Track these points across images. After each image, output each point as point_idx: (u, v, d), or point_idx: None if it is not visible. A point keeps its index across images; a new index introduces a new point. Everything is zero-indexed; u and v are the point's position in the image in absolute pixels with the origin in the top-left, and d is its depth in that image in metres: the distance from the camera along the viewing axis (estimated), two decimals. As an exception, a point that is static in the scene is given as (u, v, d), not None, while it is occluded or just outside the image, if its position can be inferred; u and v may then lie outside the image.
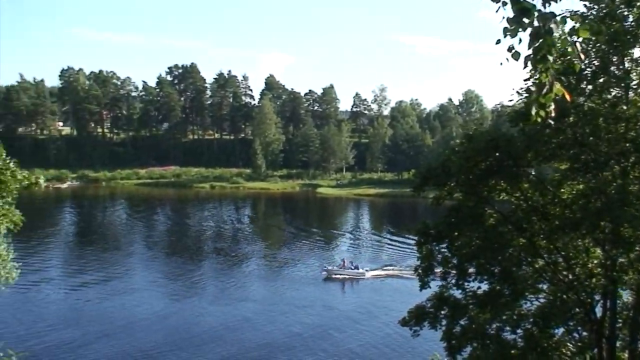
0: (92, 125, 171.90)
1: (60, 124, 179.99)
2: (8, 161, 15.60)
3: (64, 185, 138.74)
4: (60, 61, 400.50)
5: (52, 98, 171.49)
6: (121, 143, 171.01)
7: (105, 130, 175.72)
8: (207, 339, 41.86)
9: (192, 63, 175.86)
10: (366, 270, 59.94)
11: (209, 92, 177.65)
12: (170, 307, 49.56)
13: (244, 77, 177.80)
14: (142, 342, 40.98)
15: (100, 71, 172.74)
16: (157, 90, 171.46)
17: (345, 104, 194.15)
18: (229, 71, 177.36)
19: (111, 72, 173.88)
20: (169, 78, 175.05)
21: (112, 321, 45.40)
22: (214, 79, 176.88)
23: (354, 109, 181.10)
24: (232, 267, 64.54)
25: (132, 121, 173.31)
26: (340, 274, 58.70)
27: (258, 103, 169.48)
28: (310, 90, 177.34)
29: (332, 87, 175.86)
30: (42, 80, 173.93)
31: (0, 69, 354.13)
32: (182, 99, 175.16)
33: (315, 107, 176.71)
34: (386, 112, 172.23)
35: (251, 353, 39.52)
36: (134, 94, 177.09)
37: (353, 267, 59.87)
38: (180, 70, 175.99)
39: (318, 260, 66.23)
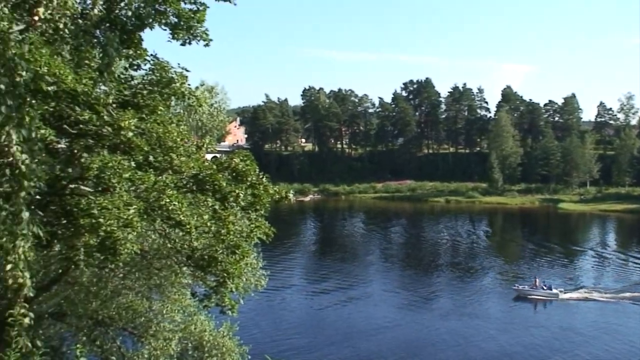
0: (332, 141, 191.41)
1: (303, 140, 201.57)
2: (261, 176, 17.25)
3: (307, 199, 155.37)
4: (303, 81, 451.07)
5: (295, 116, 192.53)
6: (359, 158, 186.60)
7: (344, 146, 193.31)
8: (432, 352, 45.58)
9: (427, 78, 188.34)
10: (560, 291, 60.31)
11: (443, 106, 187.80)
12: (401, 317, 54.33)
13: (479, 89, 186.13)
14: (373, 349, 45.81)
15: (339, 90, 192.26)
16: (393, 106, 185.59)
17: (588, 114, 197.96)
18: (464, 84, 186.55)
19: (349, 90, 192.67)
20: (404, 94, 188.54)
21: (346, 327, 50.95)
22: (449, 92, 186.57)
23: (598, 119, 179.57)
24: (466, 282, 68.15)
25: (369, 137, 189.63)
26: (532, 294, 59.87)
27: (494, 115, 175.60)
28: (550, 101, 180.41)
29: (573, 96, 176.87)
30: (285, 100, 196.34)
31: (249, 90, 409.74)
32: (417, 113, 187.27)
33: (556, 118, 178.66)
34: (634, 121, 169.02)
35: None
36: (370, 110, 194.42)
37: (545, 287, 60.39)
38: (415, 86, 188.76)
39: (559, 278, 68.18)
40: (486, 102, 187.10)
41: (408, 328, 51.62)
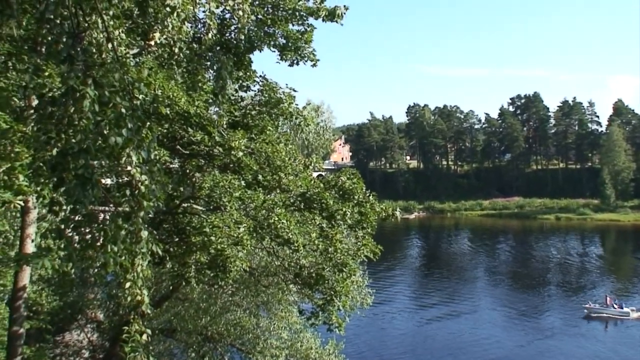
0: (437, 158, 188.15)
1: (408, 157, 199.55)
2: (368, 194, 17.48)
3: (412, 216, 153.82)
4: (407, 98, 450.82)
5: (400, 134, 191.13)
6: (465, 175, 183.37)
7: (450, 163, 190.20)
8: None
9: (535, 92, 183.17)
10: (632, 310, 58.15)
11: (552, 121, 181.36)
12: (504, 336, 53.99)
13: (590, 103, 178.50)
14: None
15: (445, 106, 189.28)
16: (500, 121, 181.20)
17: None
18: (574, 98, 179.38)
19: (455, 106, 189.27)
20: (511, 109, 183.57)
21: (451, 345, 51.09)
22: (558, 106, 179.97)
23: None
24: (574, 301, 65.74)
25: (475, 153, 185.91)
26: (603, 313, 58.12)
27: (606, 130, 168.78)
28: None
29: None
30: (390, 117, 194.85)
31: (354, 108, 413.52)
32: (525, 128, 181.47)
33: None
34: None
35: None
36: (476, 126, 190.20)
37: (617, 306, 58.58)
38: (522, 100, 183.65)
39: None
40: (597, 116, 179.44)
41: (509, 346, 51.32)
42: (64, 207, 6.17)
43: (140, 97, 6.27)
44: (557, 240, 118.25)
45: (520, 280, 79.47)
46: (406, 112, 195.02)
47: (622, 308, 58.69)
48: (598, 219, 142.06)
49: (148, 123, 6.32)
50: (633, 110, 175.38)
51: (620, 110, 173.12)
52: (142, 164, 6.24)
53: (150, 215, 8.83)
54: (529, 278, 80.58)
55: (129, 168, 6.21)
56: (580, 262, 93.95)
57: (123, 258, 6.43)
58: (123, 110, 6.01)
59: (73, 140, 6.03)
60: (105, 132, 6.04)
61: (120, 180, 6.59)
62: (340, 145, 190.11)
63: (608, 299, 60.30)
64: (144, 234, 6.40)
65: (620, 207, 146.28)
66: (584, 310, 59.90)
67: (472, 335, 54.00)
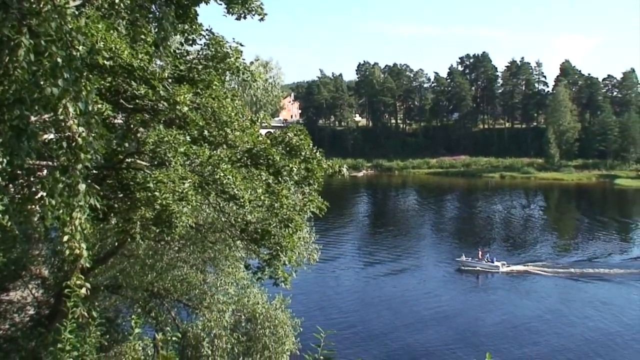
0: (386, 116, 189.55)
1: (357, 115, 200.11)
2: (315, 151, 17.35)
3: (360, 174, 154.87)
4: (358, 56, 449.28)
5: (349, 92, 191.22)
6: (413, 133, 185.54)
7: (399, 121, 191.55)
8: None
9: (484, 52, 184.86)
10: (502, 264, 60.75)
11: (500, 81, 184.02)
12: (446, 290, 55.66)
13: (537, 63, 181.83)
14: (419, 320, 46.97)
15: (395, 64, 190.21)
16: (448, 80, 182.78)
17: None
18: (522, 58, 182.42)
19: (404, 64, 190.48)
20: (460, 68, 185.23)
21: (396, 300, 51.94)
22: (506, 66, 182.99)
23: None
24: (516, 255, 67.65)
25: (423, 112, 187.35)
26: (473, 266, 60.83)
27: (552, 90, 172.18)
28: (608, 75, 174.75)
29: (633, 71, 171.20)
30: (340, 75, 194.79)
31: (303, 66, 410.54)
32: (473, 88, 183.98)
33: (614, 93, 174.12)
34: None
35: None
36: (425, 85, 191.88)
37: (488, 260, 61.22)
38: (471, 60, 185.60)
39: (616, 252, 67.40)
40: (544, 77, 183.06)
41: (446, 299, 52.93)
42: (0, 160, 6.03)
43: (80, 48, 6.12)
44: (501, 198, 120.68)
45: (464, 237, 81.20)
46: (356, 70, 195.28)
47: (492, 262, 61.10)
48: (542, 178, 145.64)
49: (86, 74, 6.17)
50: (580, 70, 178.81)
51: (567, 70, 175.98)
52: (79, 116, 6.12)
53: (93, 171, 8.69)
54: (472, 235, 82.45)
55: (66, 120, 6.08)
56: (523, 219, 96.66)
57: (61, 211, 6.34)
58: (59, 60, 5.86)
59: (8, 91, 5.88)
60: (41, 82, 5.90)
61: (60, 135, 6.46)
62: (289, 102, 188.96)
63: (480, 252, 63.03)
64: (82, 187, 6.31)
65: (564, 166, 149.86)
66: (458, 263, 62.38)
67: (416, 291, 55.25)
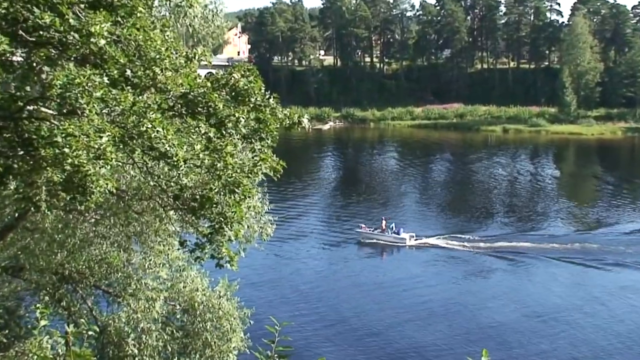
0: (359, 53, 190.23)
1: (322, 52, 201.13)
2: (268, 97, 16.76)
3: (326, 127, 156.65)
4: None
5: (312, 22, 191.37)
6: (393, 75, 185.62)
7: (375, 60, 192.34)
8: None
9: None
10: (410, 237, 63.47)
11: (503, 9, 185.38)
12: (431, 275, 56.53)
13: None
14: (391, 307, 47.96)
15: None
16: (438, 8, 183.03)
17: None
18: None
19: None
20: None
21: (366, 283, 53.32)
22: None
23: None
24: (523, 230, 69.05)
25: (406, 48, 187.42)
26: (377, 238, 63.70)
27: (568, 21, 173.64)
28: None
29: None
30: (300, 1, 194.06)
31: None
32: (469, 18, 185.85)
33: None
34: None
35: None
36: (409, 14, 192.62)
37: (394, 232, 63.85)
38: None
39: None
40: (558, 4, 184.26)
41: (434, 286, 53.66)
42: None
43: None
44: (504, 157, 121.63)
45: (455, 206, 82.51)
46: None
47: (398, 234, 63.45)
48: (555, 132, 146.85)
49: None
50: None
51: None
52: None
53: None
54: (465, 203, 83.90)
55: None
56: (530, 184, 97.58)
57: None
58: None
59: None
60: None
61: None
62: (236, 35, 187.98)
63: (384, 222, 64.95)
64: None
65: (582, 117, 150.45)
66: (357, 234, 64.61)
67: (392, 272, 56.91)
